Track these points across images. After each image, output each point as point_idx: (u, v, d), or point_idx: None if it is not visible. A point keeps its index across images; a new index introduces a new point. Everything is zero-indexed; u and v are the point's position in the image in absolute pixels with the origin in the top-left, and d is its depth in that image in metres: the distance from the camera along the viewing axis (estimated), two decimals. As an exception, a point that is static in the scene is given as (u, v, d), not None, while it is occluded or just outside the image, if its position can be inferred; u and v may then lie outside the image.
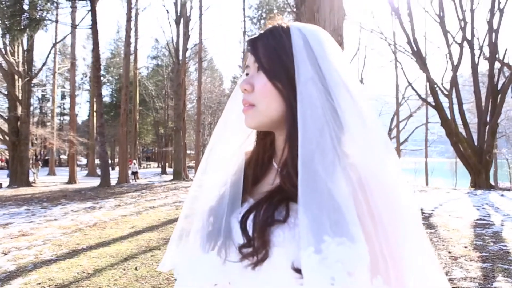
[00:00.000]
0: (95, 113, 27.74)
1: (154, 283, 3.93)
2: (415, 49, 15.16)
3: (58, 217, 8.12)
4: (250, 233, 0.68)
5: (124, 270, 4.40)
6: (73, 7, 17.31)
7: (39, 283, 3.97)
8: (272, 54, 0.72)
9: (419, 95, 17.87)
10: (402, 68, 20.53)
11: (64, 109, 48.29)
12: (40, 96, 44.53)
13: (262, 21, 26.84)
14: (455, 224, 6.66)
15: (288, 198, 0.68)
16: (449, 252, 4.96)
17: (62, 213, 8.68)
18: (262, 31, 0.77)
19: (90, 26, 12.00)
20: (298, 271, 0.62)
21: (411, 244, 0.67)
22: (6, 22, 9.90)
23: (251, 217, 0.69)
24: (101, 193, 12.50)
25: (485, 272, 4.19)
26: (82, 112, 57.12)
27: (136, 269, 4.41)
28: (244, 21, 24.30)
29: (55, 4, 12.06)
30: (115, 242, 5.77)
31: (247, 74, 0.77)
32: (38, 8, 10.71)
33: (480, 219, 7.09)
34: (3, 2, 9.94)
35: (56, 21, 15.83)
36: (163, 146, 37.94)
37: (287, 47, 0.71)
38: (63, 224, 7.28)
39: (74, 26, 20.31)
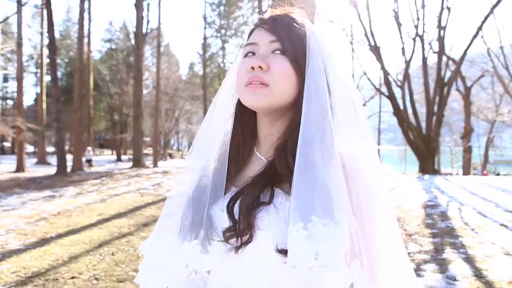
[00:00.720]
0: (44, 98, 26.29)
1: (134, 267, 4.01)
2: (372, 42, 15.89)
3: (16, 206, 7.79)
4: (236, 217, 0.69)
5: (101, 255, 4.42)
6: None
7: (13, 272, 3.90)
8: (298, 42, 0.73)
9: (374, 85, 18.81)
10: (358, 59, 21.43)
11: (7, 92, 45.04)
12: (-21, 79, 41.11)
13: (222, 7, 26.55)
14: (408, 205, 7.28)
15: (273, 182, 0.70)
16: (405, 230, 5.47)
17: (20, 202, 8.32)
18: (278, 13, 0.78)
19: (43, 5, 11.28)
20: (281, 252, 0.65)
21: (383, 232, 0.72)
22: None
23: (237, 202, 0.71)
24: (59, 181, 12.03)
25: (435, 246, 4.72)
26: (27, 96, 53.42)
27: (112, 254, 4.45)
28: (205, 7, 23.99)
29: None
30: (85, 229, 5.71)
31: (251, 53, 0.76)
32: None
33: (429, 201, 7.79)
34: None
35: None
36: (118, 133, 36.72)
37: (306, 38, 0.74)
38: (24, 213, 7.02)
39: (21, 4, 18.93)
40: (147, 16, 21.12)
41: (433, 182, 11.23)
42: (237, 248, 0.69)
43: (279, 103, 0.73)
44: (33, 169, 20.70)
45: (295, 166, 0.65)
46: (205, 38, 24.43)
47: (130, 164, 21.15)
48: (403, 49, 16.76)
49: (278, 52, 0.73)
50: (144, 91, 35.50)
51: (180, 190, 0.82)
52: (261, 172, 0.74)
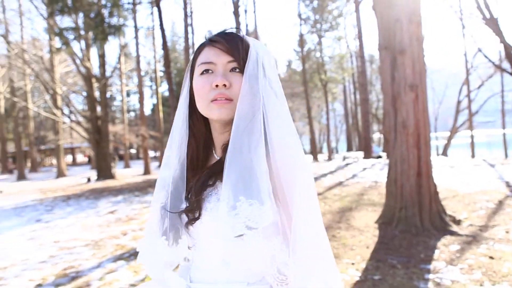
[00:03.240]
0: (160, 107, 29.57)
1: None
2: (487, 15, 14.13)
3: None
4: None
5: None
6: (135, 10, 18.47)
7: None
8: (251, 61, 0.83)
9: (493, 62, 16.65)
10: (471, 36, 19.19)
11: (129, 106, 51.64)
12: (108, 96, 47.94)
13: (315, 2, 26.31)
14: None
15: (219, 173, 0.82)
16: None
17: (155, 200, 9.61)
18: (231, 33, 0.88)
19: (159, 27, 12.88)
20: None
21: (303, 218, 0.78)
22: (93, 33, 11.03)
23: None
24: (181, 182, 13.48)
25: None
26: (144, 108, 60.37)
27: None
28: (298, 3, 24.26)
29: (130, 11, 13.08)
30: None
31: (209, 70, 0.85)
32: (115, 16, 11.79)
33: None
34: (89, 16, 11.07)
35: (124, 25, 16.98)
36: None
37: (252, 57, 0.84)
38: (160, 209, 8.12)
39: (137, 28, 21.73)
40: (245, 19, 22.21)
41: None
42: (186, 224, 0.85)
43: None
44: (157, 172, 23.48)
45: (227, 153, 0.78)
46: (301, 35, 24.58)
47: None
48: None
49: (236, 70, 0.84)
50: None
51: (155, 199, 0.94)
52: (211, 166, 0.89)
